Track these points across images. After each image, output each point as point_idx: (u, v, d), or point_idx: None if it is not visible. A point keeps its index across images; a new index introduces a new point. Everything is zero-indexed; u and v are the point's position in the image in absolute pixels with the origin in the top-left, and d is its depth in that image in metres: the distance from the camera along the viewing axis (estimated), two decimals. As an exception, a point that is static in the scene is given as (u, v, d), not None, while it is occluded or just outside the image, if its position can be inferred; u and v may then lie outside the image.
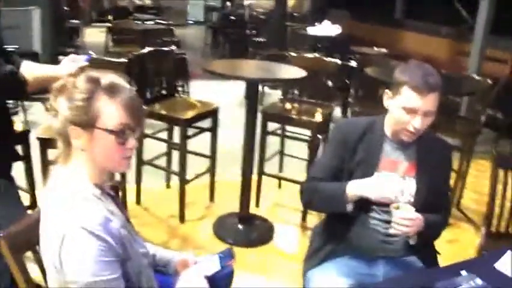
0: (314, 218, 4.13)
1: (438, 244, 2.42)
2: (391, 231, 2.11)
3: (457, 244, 4.13)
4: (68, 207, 1.52)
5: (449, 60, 9.44)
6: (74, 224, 1.47)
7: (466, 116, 6.09)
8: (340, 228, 2.32)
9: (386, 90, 2.25)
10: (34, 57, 6.09)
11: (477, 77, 5.31)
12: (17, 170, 2.88)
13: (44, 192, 1.65)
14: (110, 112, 1.57)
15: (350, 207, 2.19)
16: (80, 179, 1.59)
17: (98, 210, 1.54)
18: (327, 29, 8.73)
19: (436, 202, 2.27)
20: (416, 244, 2.23)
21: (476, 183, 5.17)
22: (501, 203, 2.89)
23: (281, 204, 4.59)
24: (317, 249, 2.39)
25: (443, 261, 2.29)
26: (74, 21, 11.70)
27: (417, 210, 2.10)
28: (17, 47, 6.07)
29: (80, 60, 2.60)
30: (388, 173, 2.23)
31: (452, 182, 4.19)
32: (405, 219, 2.05)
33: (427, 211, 2.16)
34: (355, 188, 2.16)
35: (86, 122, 1.55)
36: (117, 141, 1.59)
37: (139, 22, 9.68)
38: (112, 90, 1.58)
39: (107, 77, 1.62)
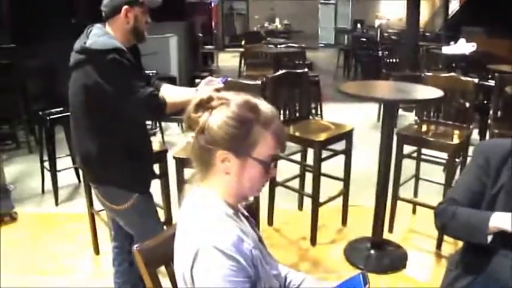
0: (450, 246, 3.96)
1: None
2: None
3: None
4: (202, 226, 1.54)
5: None
6: (207, 243, 1.49)
7: None
8: (480, 259, 2.19)
9: None
10: (172, 81, 6.40)
11: None
12: (155, 187, 3.02)
13: (180, 210, 1.69)
14: (266, 143, 1.59)
15: (490, 238, 2.06)
16: (215, 198, 1.62)
17: (232, 230, 1.56)
18: (462, 47, 8.43)
19: None
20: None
21: None
22: None
23: (415, 231, 4.44)
24: (455, 279, 2.28)
25: None
26: (208, 46, 12.18)
27: None
28: (155, 71, 6.43)
29: (217, 82, 2.69)
30: None
31: None
32: None
33: None
34: (499, 221, 2.03)
35: (242, 150, 1.58)
36: (265, 170, 1.62)
37: (271, 46, 9.87)
38: (267, 120, 1.60)
39: (263, 105, 1.63)
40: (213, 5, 15.33)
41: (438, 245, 4.07)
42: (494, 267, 2.15)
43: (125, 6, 2.52)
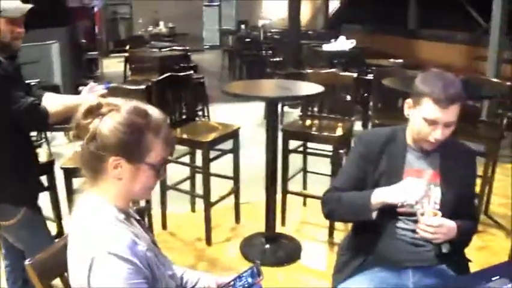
0: (341, 234, 4.10)
1: (468, 252, 2.39)
2: (417, 235, 2.11)
3: (487, 251, 4.08)
4: (94, 233, 1.53)
5: (466, 65, 9.45)
6: (101, 250, 1.48)
7: (487, 120, 6.04)
8: (368, 241, 2.30)
9: (407, 100, 2.24)
10: (55, 89, 6.19)
11: (496, 80, 5.28)
12: (43, 199, 2.92)
13: (71, 219, 1.66)
14: (157, 148, 1.60)
15: (374, 214, 2.17)
16: (106, 204, 1.60)
17: (124, 234, 1.55)
18: (342, 44, 8.74)
19: (463, 209, 2.25)
20: (447, 252, 2.18)
21: (503, 188, 5.11)
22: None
23: (307, 222, 4.58)
24: (346, 263, 2.37)
25: (474, 269, 2.26)
26: (91, 53, 11.88)
27: (444, 216, 2.09)
28: (38, 80, 6.18)
29: (99, 88, 2.65)
30: (413, 179, 2.20)
31: (478, 188, 4.15)
32: (428, 225, 2.04)
33: (454, 218, 2.13)
34: (380, 195, 2.14)
35: (134, 155, 1.57)
36: (156, 174, 1.63)
37: (156, 50, 9.78)
38: (158, 125, 1.60)
39: (153, 111, 1.63)
40: (95, 9, 14.97)
41: (331, 234, 4.22)
42: (382, 247, 2.26)
43: None
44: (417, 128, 2.17)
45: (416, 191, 2.07)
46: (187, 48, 9.90)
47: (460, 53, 9.88)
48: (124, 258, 1.48)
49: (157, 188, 4.06)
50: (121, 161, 1.57)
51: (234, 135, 4.21)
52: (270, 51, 9.49)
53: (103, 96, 2.45)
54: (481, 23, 9.76)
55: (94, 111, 1.58)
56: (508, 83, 4.78)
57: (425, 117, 2.11)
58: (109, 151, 1.56)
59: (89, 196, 1.63)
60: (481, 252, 4.02)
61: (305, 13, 18.96)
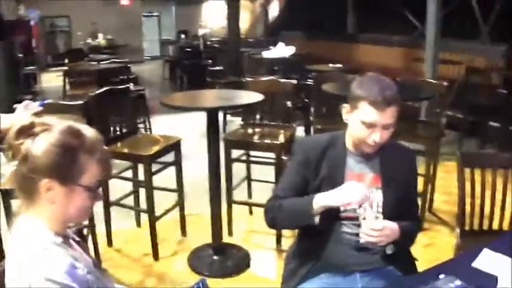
0: (289, 241, 4.10)
1: (415, 249, 2.43)
2: (361, 241, 2.11)
3: (433, 247, 4.16)
4: (30, 259, 1.48)
5: (404, 67, 9.67)
6: (38, 276, 1.43)
7: (427, 120, 6.18)
8: (313, 247, 2.30)
9: (344, 105, 2.25)
10: (-9, 106, 6.01)
11: (433, 81, 5.42)
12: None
13: (8, 244, 1.60)
14: (91, 169, 1.55)
15: (317, 219, 2.16)
16: (42, 228, 1.55)
17: (62, 258, 1.50)
18: (281, 51, 8.80)
19: (405, 210, 2.28)
20: (393, 253, 2.22)
21: (445, 185, 5.23)
22: (471, 202, 2.91)
23: (254, 230, 4.56)
24: (293, 271, 2.36)
25: (422, 266, 2.30)
26: (30, 67, 11.61)
27: (387, 219, 2.11)
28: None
29: (35, 106, 2.57)
30: (354, 182, 2.22)
31: (421, 186, 4.24)
32: (371, 229, 2.05)
33: (397, 220, 2.15)
34: (321, 199, 2.13)
35: (67, 178, 1.53)
36: (91, 196, 1.59)
37: (95, 63, 9.64)
38: (92, 146, 1.56)
39: (88, 131, 1.59)
40: (33, 23, 14.66)
41: (278, 241, 4.22)
42: (328, 253, 2.26)
43: None
44: (356, 131, 2.18)
45: (357, 194, 2.07)
46: (126, 60, 9.81)
47: (398, 55, 10.10)
48: (63, 284, 1.43)
49: (100, 204, 3.99)
50: (54, 183, 1.52)
51: (175, 147, 4.16)
52: (211, 60, 9.47)
53: (37, 114, 2.38)
54: (417, 26, 10.00)
55: (26, 131, 1.53)
56: (445, 83, 4.91)
57: (363, 121, 2.12)
58: (41, 173, 1.50)
59: (25, 219, 1.58)
60: (428, 249, 4.11)
61: (245, 21, 19.07)
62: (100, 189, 1.63)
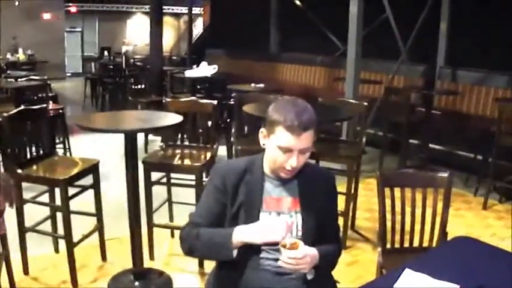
0: (211, 264, 4.06)
1: (339, 268, 2.44)
2: (282, 268, 2.11)
3: (357, 265, 4.23)
4: None
5: (326, 87, 9.85)
6: None
7: (348, 139, 6.30)
8: (233, 274, 2.27)
9: (261, 130, 2.24)
10: None
11: (353, 101, 5.54)
12: None
13: None
14: None
15: (235, 253, 2.15)
16: None
17: None
18: (204, 70, 8.79)
19: (326, 233, 2.29)
20: (314, 278, 2.22)
21: (367, 202, 5.35)
22: (392, 219, 2.97)
23: (176, 254, 4.47)
24: (213, 299, 2.32)
25: (346, 284, 2.32)
26: None
27: (307, 244, 2.11)
28: None
29: None
30: (273, 214, 2.23)
31: (343, 204, 4.29)
32: (294, 258, 2.05)
33: (317, 243, 2.17)
34: (240, 235, 2.13)
35: None
36: None
37: (12, 80, 9.31)
38: None
39: None
40: None
41: (201, 264, 4.17)
42: (247, 280, 2.24)
43: None
44: (273, 156, 2.18)
45: (280, 231, 2.08)
46: (46, 77, 9.53)
47: (321, 74, 10.29)
48: None
49: (15, 230, 3.83)
50: None
51: (93, 169, 4.05)
52: (133, 79, 9.34)
53: None
54: (339, 46, 10.23)
55: None
56: (365, 103, 5.03)
57: (280, 146, 2.12)
58: None
59: None
60: (351, 268, 4.17)
61: (168, 39, 18.99)
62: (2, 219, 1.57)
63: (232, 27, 12.83)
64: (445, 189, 2.95)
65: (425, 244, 3.01)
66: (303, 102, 2.20)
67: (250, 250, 2.20)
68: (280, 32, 12.37)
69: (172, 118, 3.83)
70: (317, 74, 10.39)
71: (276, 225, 2.11)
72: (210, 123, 4.55)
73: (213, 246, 2.20)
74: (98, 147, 6.68)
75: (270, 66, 11.42)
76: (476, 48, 7.60)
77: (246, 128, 5.40)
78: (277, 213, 2.26)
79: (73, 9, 20.22)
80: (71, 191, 3.84)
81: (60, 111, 6.92)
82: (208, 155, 4.25)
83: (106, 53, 15.89)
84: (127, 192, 3.76)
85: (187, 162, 4.13)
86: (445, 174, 2.97)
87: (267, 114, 2.20)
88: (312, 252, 2.12)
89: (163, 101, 4.93)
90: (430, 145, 7.04)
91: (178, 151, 4.46)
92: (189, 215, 2.47)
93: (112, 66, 12.12)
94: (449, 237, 2.89)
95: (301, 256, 2.05)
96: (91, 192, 4.11)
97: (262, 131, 2.24)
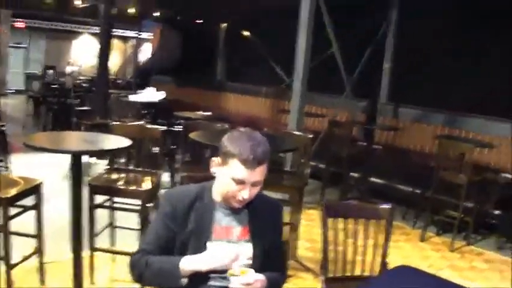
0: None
1: (281, 298, 2.47)
2: None
3: (298, 294, 4.28)
4: None
5: (271, 118, 9.97)
6: None
7: (291, 170, 6.40)
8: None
9: (213, 158, 2.28)
10: None
11: (297, 133, 5.65)
12: None
13: None
14: None
15: (184, 281, 2.17)
16: None
17: None
18: (151, 95, 8.79)
19: (273, 260, 2.34)
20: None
21: (308, 232, 5.43)
22: (334, 249, 3.04)
23: (117, 279, 4.40)
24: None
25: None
26: None
27: (255, 271, 2.16)
28: None
29: None
30: (220, 243, 2.26)
31: (285, 234, 4.35)
32: (243, 284, 2.09)
33: (265, 270, 2.22)
34: (189, 263, 2.16)
35: None
36: None
37: None
38: None
39: None
40: None
41: (145, 291, 4.13)
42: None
43: None
44: (225, 187, 2.22)
45: (227, 258, 2.13)
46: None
47: (266, 105, 10.45)
48: None
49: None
50: None
51: (35, 190, 3.98)
52: (78, 100, 9.24)
53: None
54: (285, 78, 10.42)
55: None
56: (310, 135, 5.14)
57: (233, 177, 2.16)
58: None
59: None
60: (293, 297, 4.21)
61: (115, 62, 18.84)
62: None
63: (179, 55, 12.89)
64: (386, 220, 3.05)
65: (367, 273, 3.09)
66: (258, 135, 2.25)
67: (199, 278, 2.22)
68: (227, 62, 12.51)
69: (120, 141, 3.83)
70: (262, 105, 10.54)
71: (224, 255, 2.16)
72: (157, 149, 4.56)
73: (162, 274, 2.22)
74: (40, 167, 6.54)
75: (216, 95, 11.54)
76: (418, 85, 7.89)
77: (189, 155, 5.43)
78: (227, 241, 2.29)
79: (21, 24, 19.81)
80: (13, 211, 3.77)
81: (2, 128, 6.79)
82: (154, 180, 4.26)
83: (50, 71, 15.64)
84: (71, 214, 3.71)
85: (131, 186, 4.13)
86: (387, 206, 3.08)
87: (221, 144, 2.24)
88: (261, 278, 2.17)
89: (110, 124, 4.91)
90: (371, 178, 7.22)
91: (123, 175, 4.46)
92: (139, 242, 2.47)
93: (56, 86, 11.93)
94: (388, 268, 2.99)
95: (253, 281, 2.11)
96: (30, 214, 4.03)
97: (215, 160, 2.27)
